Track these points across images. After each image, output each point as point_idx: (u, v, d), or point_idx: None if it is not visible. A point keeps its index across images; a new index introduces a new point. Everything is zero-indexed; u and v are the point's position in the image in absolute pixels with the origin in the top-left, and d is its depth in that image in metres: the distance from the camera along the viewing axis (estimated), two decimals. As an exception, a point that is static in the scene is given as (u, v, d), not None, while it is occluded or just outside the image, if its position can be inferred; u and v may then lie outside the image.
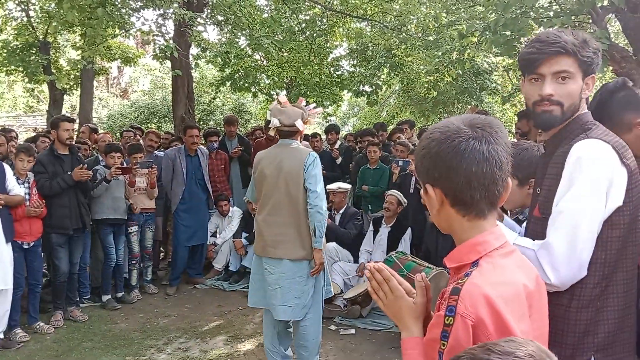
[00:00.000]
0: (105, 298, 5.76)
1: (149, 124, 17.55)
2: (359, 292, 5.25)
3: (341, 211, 6.11)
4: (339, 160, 7.46)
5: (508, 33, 5.28)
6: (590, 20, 4.73)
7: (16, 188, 4.70)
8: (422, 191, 1.25)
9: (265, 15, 11.56)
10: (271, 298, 3.61)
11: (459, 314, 1.05)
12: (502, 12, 4.77)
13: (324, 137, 8.59)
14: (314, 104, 3.95)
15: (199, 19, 8.00)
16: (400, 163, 6.04)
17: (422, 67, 11.60)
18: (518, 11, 4.89)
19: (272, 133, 3.73)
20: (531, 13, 4.96)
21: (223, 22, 9.10)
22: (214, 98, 18.21)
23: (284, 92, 14.42)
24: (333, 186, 6.04)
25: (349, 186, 6.34)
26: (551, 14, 4.88)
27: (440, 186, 1.19)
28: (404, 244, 5.69)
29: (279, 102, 3.70)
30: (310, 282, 3.66)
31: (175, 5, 6.95)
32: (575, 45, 1.56)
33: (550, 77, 1.58)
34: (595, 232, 1.50)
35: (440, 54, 9.38)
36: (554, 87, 1.58)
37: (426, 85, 12.38)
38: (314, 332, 3.74)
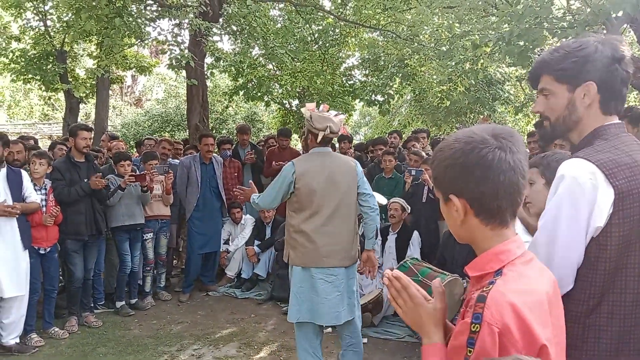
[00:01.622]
0: (119, 304, 5.81)
1: (162, 133, 17.72)
2: (369, 299, 5.25)
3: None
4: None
5: (522, 43, 5.28)
6: (605, 31, 4.72)
7: (33, 195, 4.77)
8: (442, 202, 1.25)
9: (279, 25, 11.65)
10: (332, 307, 3.60)
11: (486, 321, 1.07)
12: (517, 23, 4.76)
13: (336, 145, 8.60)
14: (335, 112, 3.95)
15: (214, 29, 8.07)
16: (413, 172, 6.01)
17: (434, 76, 11.59)
18: (532, 21, 4.88)
19: (319, 140, 3.67)
20: (545, 24, 4.95)
21: (238, 32, 9.18)
22: (227, 107, 18.36)
23: (296, 101, 14.50)
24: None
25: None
26: (565, 24, 4.88)
27: (466, 196, 1.20)
28: (413, 249, 5.70)
29: (309, 109, 3.71)
30: (356, 281, 3.80)
31: (191, 15, 7.03)
32: (548, 62, 1.62)
33: (539, 95, 1.67)
34: (573, 250, 1.48)
35: (453, 63, 9.38)
36: (541, 104, 1.66)
37: (439, 95, 12.37)
38: (360, 328, 3.89)
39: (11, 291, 4.51)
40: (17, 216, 4.52)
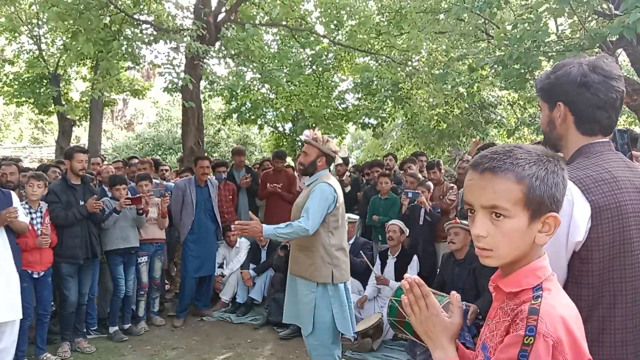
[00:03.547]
0: (112, 329, 5.68)
1: (154, 156, 17.68)
2: (370, 324, 5.17)
3: (350, 241, 6.07)
4: (347, 189, 7.43)
5: (517, 66, 5.34)
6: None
7: (21, 217, 4.65)
8: (527, 220, 1.16)
9: (273, 50, 11.75)
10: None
11: (541, 334, 1.06)
12: (517, 46, 4.83)
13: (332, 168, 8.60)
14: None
15: (211, 52, 8.11)
16: (410, 194, 6.02)
17: (431, 99, 11.71)
18: (527, 45, 4.95)
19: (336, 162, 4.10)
20: (542, 47, 5.02)
21: (235, 55, 9.24)
22: (219, 130, 18.40)
23: (290, 124, 14.55)
24: None
25: (357, 217, 6.34)
26: (561, 48, 4.95)
27: (555, 211, 1.19)
28: (411, 272, 5.65)
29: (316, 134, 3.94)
30: None
31: (188, 38, 7.07)
32: (537, 81, 1.73)
33: None
34: (556, 265, 1.45)
35: (449, 87, 9.50)
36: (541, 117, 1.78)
37: (436, 118, 12.49)
38: None
39: (5, 315, 4.37)
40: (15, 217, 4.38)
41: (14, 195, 4.67)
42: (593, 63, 1.60)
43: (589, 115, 1.61)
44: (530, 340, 1.07)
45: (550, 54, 5.04)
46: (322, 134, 4.01)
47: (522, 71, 5.14)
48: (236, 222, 3.57)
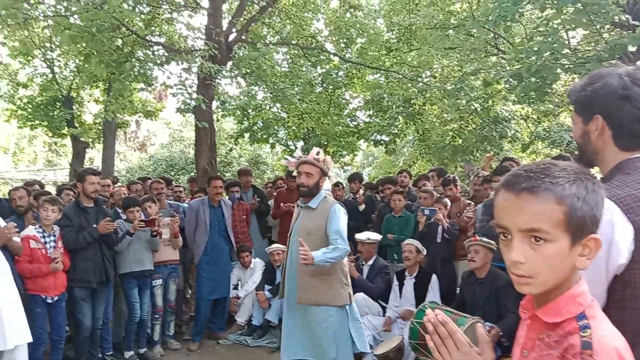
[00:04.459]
0: (127, 354, 5.59)
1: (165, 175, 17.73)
2: (391, 347, 5.02)
3: (370, 262, 5.93)
4: (362, 207, 7.32)
5: (533, 80, 5.26)
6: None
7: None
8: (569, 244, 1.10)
9: (284, 69, 11.82)
10: None
11: None
12: (534, 59, 4.76)
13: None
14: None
15: (223, 72, 8.14)
16: (427, 212, 5.91)
17: (445, 114, 11.65)
18: (548, 57, 4.87)
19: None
20: (560, 60, 4.94)
21: (247, 75, 9.28)
22: (231, 150, 18.45)
23: (302, 143, 14.55)
24: (362, 236, 5.88)
25: (378, 237, 6.13)
26: (579, 60, 4.87)
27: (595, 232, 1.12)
28: (432, 292, 5.49)
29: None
30: None
31: (199, 59, 7.08)
32: (571, 91, 1.65)
33: None
34: (594, 289, 1.35)
35: (464, 102, 9.43)
36: (573, 130, 1.71)
37: (451, 133, 12.41)
38: None
39: (15, 340, 4.24)
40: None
41: None
42: (633, 75, 1.52)
43: (630, 129, 1.53)
44: None
45: (567, 66, 4.97)
46: (324, 153, 3.95)
47: (540, 84, 5.06)
48: (302, 249, 3.46)
